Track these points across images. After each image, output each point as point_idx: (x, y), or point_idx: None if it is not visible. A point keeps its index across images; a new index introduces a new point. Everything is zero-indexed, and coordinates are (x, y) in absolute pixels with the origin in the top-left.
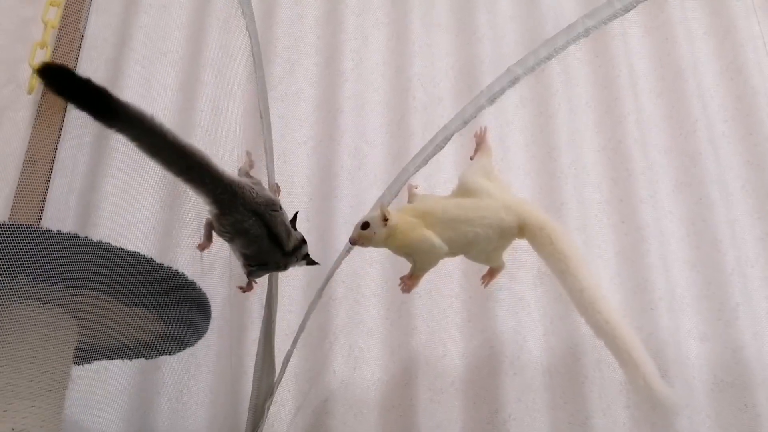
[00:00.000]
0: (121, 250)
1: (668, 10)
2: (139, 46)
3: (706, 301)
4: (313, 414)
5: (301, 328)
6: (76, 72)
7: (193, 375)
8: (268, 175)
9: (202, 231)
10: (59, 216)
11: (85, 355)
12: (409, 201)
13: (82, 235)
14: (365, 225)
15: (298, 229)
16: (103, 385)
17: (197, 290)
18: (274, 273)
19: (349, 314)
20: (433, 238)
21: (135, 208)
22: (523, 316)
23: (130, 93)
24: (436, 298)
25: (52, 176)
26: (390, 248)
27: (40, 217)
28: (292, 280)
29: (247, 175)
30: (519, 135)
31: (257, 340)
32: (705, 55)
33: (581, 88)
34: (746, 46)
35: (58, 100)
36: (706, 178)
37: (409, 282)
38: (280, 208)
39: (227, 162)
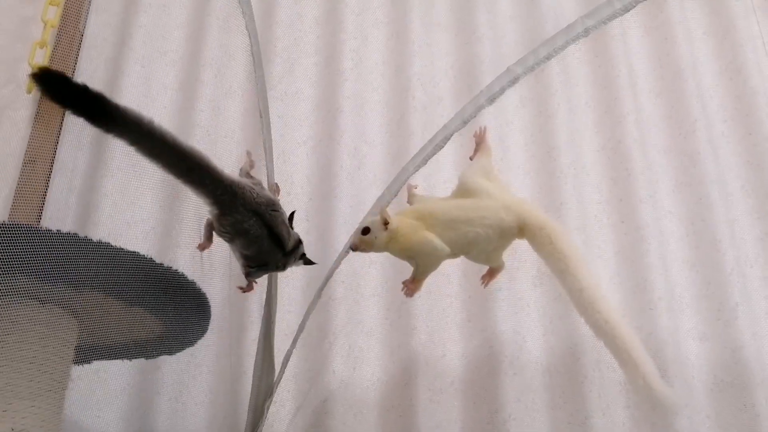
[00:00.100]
0: (120, 249)
1: (668, 10)
2: (139, 45)
3: (705, 301)
4: (313, 414)
5: (301, 328)
6: (72, 78)
7: (193, 375)
8: (268, 175)
9: (203, 231)
10: (59, 215)
11: (84, 354)
12: (409, 201)
13: (81, 234)
14: (366, 230)
15: (295, 229)
16: (103, 385)
17: (197, 290)
18: (274, 273)
19: (349, 314)
20: (435, 240)
21: (135, 208)
22: (522, 316)
23: (130, 92)
24: (435, 299)
25: (51, 176)
26: (392, 252)
27: (39, 217)
28: (292, 280)
29: (248, 175)
30: (518, 135)
31: (257, 340)
32: (704, 55)
33: (581, 87)
34: (745, 46)
35: None
36: (705, 178)
37: (411, 285)
38: (280, 208)
39: (227, 161)
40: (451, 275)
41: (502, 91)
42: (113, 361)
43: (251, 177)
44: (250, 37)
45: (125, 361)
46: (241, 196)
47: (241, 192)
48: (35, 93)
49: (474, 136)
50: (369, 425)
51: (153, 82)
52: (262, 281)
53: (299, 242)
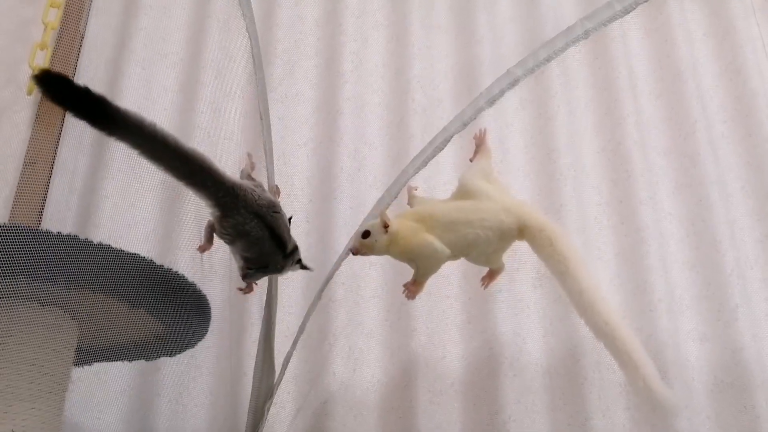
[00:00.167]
0: (121, 251)
1: (667, 11)
2: (140, 47)
3: (705, 303)
4: (313, 416)
5: (301, 329)
6: (73, 80)
7: (193, 377)
8: (268, 177)
9: (203, 233)
10: (59, 217)
11: (85, 356)
12: (409, 203)
13: (82, 236)
14: (366, 234)
15: (293, 232)
16: (103, 387)
17: (197, 292)
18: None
19: (349, 316)
20: (435, 242)
21: (135, 209)
22: (522, 318)
23: (131, 95)
24: (435, 300)
25: (52, 177)
26: (392, 255)
27: (40, 218)
28: (292, 281)
29: (249, 177)
30: (518, 137)
31: (257, 342)
32: (704, 56)
33: (581, 89)
34: (745, 47)
35: None
36: (705, 179)
37: (413, 288)
38: (281, 210)
39: (227, 163)
40: (451, 277)
41: (502, 93)
42: (113, 362)
43: (252, 179)
44: (250, 40)
45: (125, 362)
46: (243, 198)
47: (243, 194)
48: (35, 95)
49: (474, 138)
50: (369, 427)
51: (153, 84)
52: (262, 282)
53: (296, 248)
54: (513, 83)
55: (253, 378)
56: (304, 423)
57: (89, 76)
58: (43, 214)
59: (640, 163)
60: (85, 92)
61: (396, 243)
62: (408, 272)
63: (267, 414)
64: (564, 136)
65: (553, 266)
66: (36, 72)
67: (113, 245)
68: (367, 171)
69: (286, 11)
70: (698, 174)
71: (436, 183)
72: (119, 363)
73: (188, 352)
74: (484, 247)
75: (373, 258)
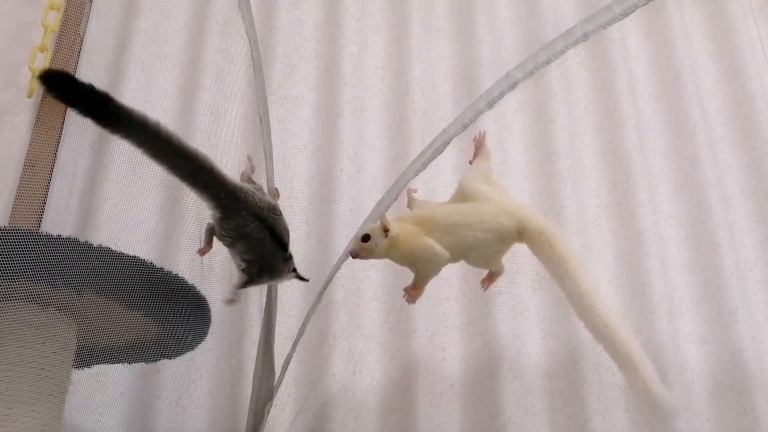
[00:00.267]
0: (121, 254)
1: (666, 14)
2: (139, 50)
3: (705, 305)
4: (313, 418)
5: (301, 331)
6: (77, 78)
7: (193, 379)
8: (268, 179)
9: (203, 236)
10: (59, 219)
11: (84, 358)
12: (408, 205)
13: (82, 238)
14: (366, 237)
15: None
16: (103, 389)
17: (197, 294)
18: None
19: (349, 318)
20: (435, 245)
21: (135, 211)
22: (522, 320)
23: (130, 97)
24: (435, 302)
25: (52, 179)
26: (392, 259)
27: (40, 220)
28: (292, 283)
29: (250, 180)
30: (518, 139)
31: (257, 344)
32: (703, 58)
33: (580, 92)
34: (744, 49)
35: (58, 104)
36: (704, 181)
37: (413, 292)
38: (281, 213)
39: (227, 166)
40: (451, 279)
41: (502, 95)
42: (113, 365)
43: (253, 182)
44: (250, 42)
45: (125, 365)
46: (244, 200)
47: (244, 196)
48: (36, 97)
49: (473, 140)
50: (369, 429)
51: (153, 86)
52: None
53: (290, 256)
54: (513, 85)
55: (253, 380)
56: (304, 425)
57: (89, 78)
58: (43, 216)
59: (640, 165)
60: (89, 89)
61: (396, 247)
62: (408, 274)
63: (267, 416)
64: (563, 139)
65: (553, 268)
66: (37, 73)
67: (113, 247)
68: (366, 173)
69: (285, 14)
70: (698, 176)
71: (436, 185)
72: (119, 365)
73: (188, 355)
74: (483, 249)
75: (372, 260)
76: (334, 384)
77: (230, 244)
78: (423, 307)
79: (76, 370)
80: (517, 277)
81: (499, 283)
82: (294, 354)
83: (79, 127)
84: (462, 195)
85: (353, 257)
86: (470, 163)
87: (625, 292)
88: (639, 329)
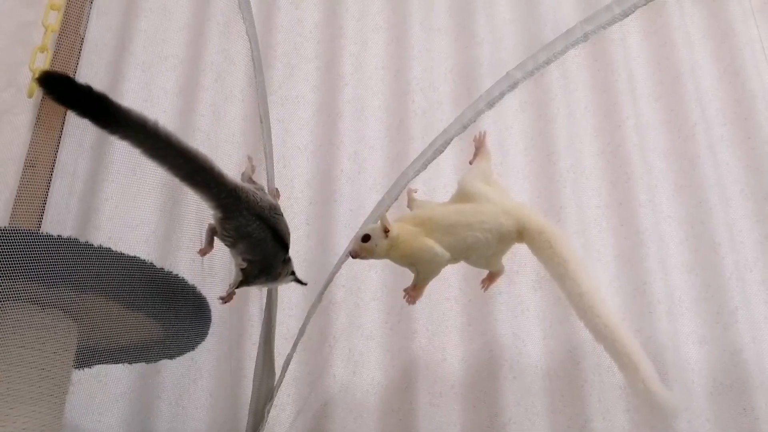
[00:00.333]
0: (121, 254)
1: (666, 14)
2: (140, 50)
3: (704, 305)
4: (313, 418)
5: (301, 331)
6: (76, 79)
7: (193, 379)
8: (268, 179)
9: (204, 236)
10: (59, 219)
11: (85, 359)
12: (409, 205)
13: (82, 238)
14: (366, 238)
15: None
16: (104, 389)
17: (197, 294)
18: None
19: (349, 318)
20: (436, 246)
21: (135, 211)
22: (522, 320)
23: (131, 97)
24: (435, 303)
25: (52, 179)
26: (392, 259)
27: (40, 221)
28: (293, 283)
29: (250, 180)
30: (518, 139)
31: (257, 344)
32: (703, 58)
33: (580, 92)
34: (744, 50)
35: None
36: (704, 181)
37: (413, 293)
38: (281, 213)
39: (227, 166)
40: (451, 279)
41: (502, 95)
42: (114, 365)
43: (254, 182)
44: (250, 42)
45: (126, 365)
46: (245, 200)
47: (245, 196)
48: (36, 97)
49: (473, 140)
50: (369, 429)
51: (153, 86)
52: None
53: (290, 259)
54: (513, 86)
55: (254, 380)
56: (304, 425)
57: (89, 78)
58: (44, 216)
59: (640, 165)
60: (88, 91)
61: (396, 247)
62: (408, 275)
63: (267, 416)
64: (563, 139)
65: (553, 268)
66: (37, 75)
67: (113, 248)
68: (367, 173)
69: (285, 14)
70: (697, 176)
71: (436, 185)
72: (120, 365)
73: (188, 355)
74: (483, 249)
75: (373, 261)
76: (334, 384)
77: (232, 244)
78: (423, 307)
79: (77, 370)
80: (517, 277)
81: (500, 283)
82: (294, 354)
83: (79, 128)
84: (462, 195)
85: (353, 257)
86: (470, 163)
87: (625, 292)
88: (639, 329)
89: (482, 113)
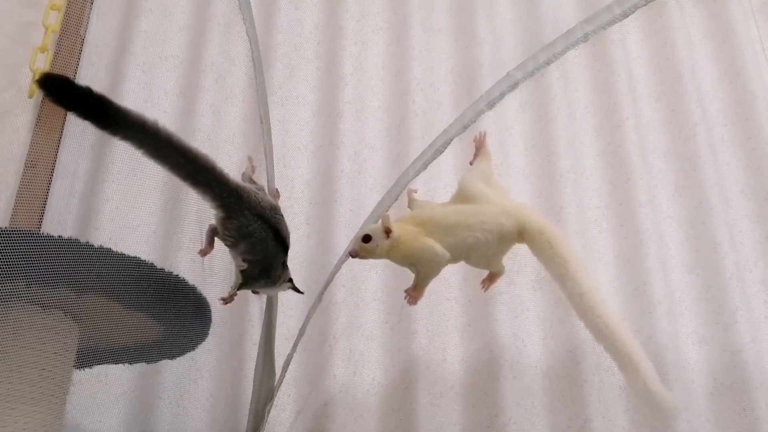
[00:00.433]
0: (122, 255)
1: (667, 14)
2: (140, 50)
3: (705, 305)
4: (314, 418)
5: (302, 332)
6: (75, 81)
7: (194, 379)
8: (268, 180)
9: (204, 237)
10: (60, 219)
11: (86, 359)
12: (409, 205)
13: (83, 239)
14: (367, 238)
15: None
16: (104, 390)
17: (198, 295)
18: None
19: (350, 318)
20: (436, 246)
21: (136, 212)
22: (522, 320)
23: (131, 97)
24: (435, 303)
25: (52, 180)
26: (392, 259)
27: (40, 221)
28: None
29: (251, 180)
30: (518, 139)
31: (257, 344)
32: (703, 59)
33: (580, 92)
34: (745, 50)
35: None
36: (705, 182)
37: (414, 293)
38: (282, 213)
39: (228, 166)
40: (452, 279)
41: (502, 95)
42: (114, 365)
43: (254, 182)
44: (250, 43)
45: (126, 365)
46: (247, 199)
47: (247, 196)
48: (36, 98)
49: (474, 140)
50: (370, 429)
51: (154, 87)
52: None
53: (287, 266)
54: (513, 86)
55: (254, 380)
56: (304, 425)
57: (90, 78)
58: (44, 217)
59: (640, 165)
60: (88, 93)
61: (397, 248)
62: (408, 275)
63: (267, 416)
64: (564, 139)
65: (553, 269)
66: (37, 76)
67: (114, 248)
68: (367, 174)
69: (286, 15)
70: (698, 177)
71: (436, 186)
72: (120, 366)
73: (189, 355)
74: (483, 250)
75: (373, 260)
76: (334, 384)
77: (233, 245)
78: (423, 307)
79: (78, 370)
80: (517, 277)
81: (500, 283)
82: (294, 354)
83: (80, 128)
84: (462, 196)
85: (352, 257)
86: (471, 163)
87: (626, 293)
88: (639, 329)
89: (483, 113)
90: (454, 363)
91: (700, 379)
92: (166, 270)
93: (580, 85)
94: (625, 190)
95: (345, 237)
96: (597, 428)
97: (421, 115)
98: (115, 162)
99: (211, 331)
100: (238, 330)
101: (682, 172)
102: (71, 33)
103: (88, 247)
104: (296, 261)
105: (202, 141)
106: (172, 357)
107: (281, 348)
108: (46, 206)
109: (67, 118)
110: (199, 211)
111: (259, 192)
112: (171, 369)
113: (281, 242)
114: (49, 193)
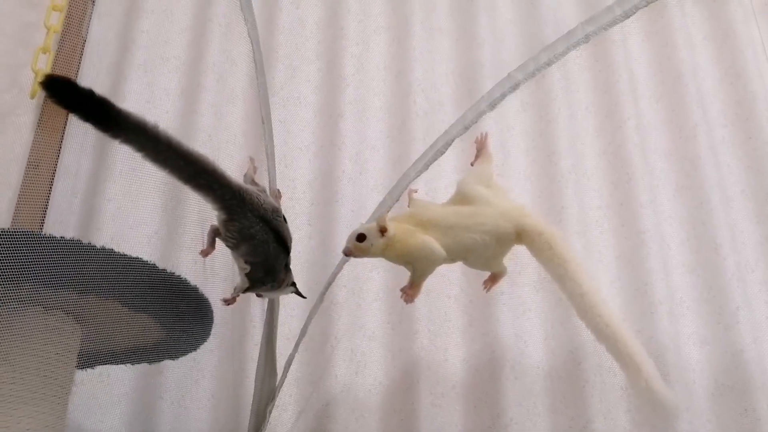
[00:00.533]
0: (123, 255)
1: (668, 15)
2: (142, 51)
3: (706, 305)
4: (315, 418)
5: (303, 332)
6: (78, 83)
7: (195, 379)
8: (270, 180)
9: (206, 237)
10: (62, 219)
11: (87, 359)
12: (409, 206)
13: (85, 239)
14: (361, 237)
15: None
16: (106, 390)
17: (199, 295)
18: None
19: (351, 318)
20: (432, 243)
21: (138, 212)
22: (524, 321)
23: (132, 98)
24: (437, 303)
25: (55, 180)
26: (387, 258)
27: (43, 221)
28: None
29: (253, 182)
30: (519, 140)
31: (259, 345)
32: (704, 59)
33: (581, 93)
34: (745, 51)
35: None
36: (705, 182)
37: (410, 291)
38: (283, 216)
39: (229, 167)
40: (453, 279)
41: (503, 96)
42: (116, 365)
43: (256, 184)
44: (252, 44)
45: (128, 365)
46: (249, 201)
47: (249, 197)
48: (38, 98)
49: (475, 142)
50: (371, 429)
51: (155, 87)
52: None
53: (290, 269)
54: (514, 87)
55: (255, 380)
56: (306, 425)
57: (91, 79)
58: (46, 217)
59: (641, 166)
60: (90, 94)
61: (392, 246)
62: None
63: (269, 416)
64: (565, 140)
65: (553, 270)
66: (40, 78)
67: (116, 248)
68: (368, 174)
69: (287, 15)
70: (699, 177)
71: (438, 186)
72: (122, 366)
73: (190, 355)
74: (481, 251)
75: (375, 261)
76: (336, 384)
77: (234, 246)
78: (425, 307)
79: (80, 370)
80: (519, 278)
81: (501, 284)
82: (296, 354)
83: (81, 128)
84: (461, 198)
85: (346, 255)
86: (472, 164)
87: (627, 293)
88: (640, 330)
89: (484, 114)
90: (456, 363)
91: (702, 380)
92: (168, 271)
93: (581, 86)
94: (626, 191)
95: (346, 237)
96: (599, 429)
97: (423, 116)
98: (116, 162)
99: (213, 331)
100: (240, 330)
101: (683, 172)
102: (73, 34)
103: (91, 248)
104: (298, 261)
105: (204, 141)
106: (173, 357)
107: (283, 348)
108: (49, 206)
109: (69, 118)
110: (201, 212)
111: (261, 194)
112: (173, 369)
113: (282, 244)
114: (51, 194)
